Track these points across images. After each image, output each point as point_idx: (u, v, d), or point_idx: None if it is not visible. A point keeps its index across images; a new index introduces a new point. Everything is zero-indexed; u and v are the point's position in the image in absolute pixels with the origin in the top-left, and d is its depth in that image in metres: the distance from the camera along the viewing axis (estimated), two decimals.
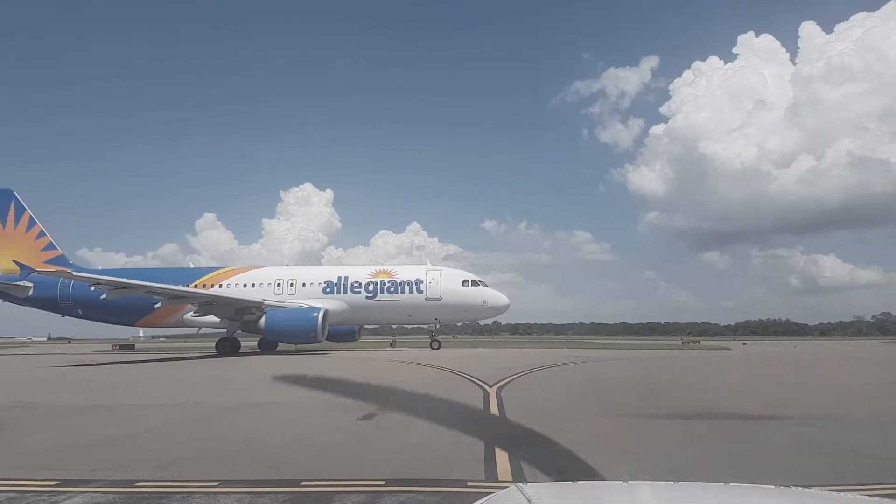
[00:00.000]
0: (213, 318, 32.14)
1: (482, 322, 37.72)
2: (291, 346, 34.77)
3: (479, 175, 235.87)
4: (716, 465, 5.66)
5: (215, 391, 13.49)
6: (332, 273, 33.99)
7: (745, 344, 59.49)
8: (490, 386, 12.52)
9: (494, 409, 9.16)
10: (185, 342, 75.45)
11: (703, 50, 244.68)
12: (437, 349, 32.93)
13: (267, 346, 34.47)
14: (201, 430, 7.92)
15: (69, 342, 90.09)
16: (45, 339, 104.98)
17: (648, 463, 5.74)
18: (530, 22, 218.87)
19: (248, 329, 32.41)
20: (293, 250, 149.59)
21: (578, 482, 1.50)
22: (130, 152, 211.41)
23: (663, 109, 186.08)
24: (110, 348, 47.22)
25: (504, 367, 18.18)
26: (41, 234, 37.70)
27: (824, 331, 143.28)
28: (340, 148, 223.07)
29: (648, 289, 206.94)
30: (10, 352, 43.36)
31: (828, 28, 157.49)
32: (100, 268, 40.80)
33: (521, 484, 1.39)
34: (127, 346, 49.71)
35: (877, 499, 1.32)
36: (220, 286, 33.43)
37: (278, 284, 33.27)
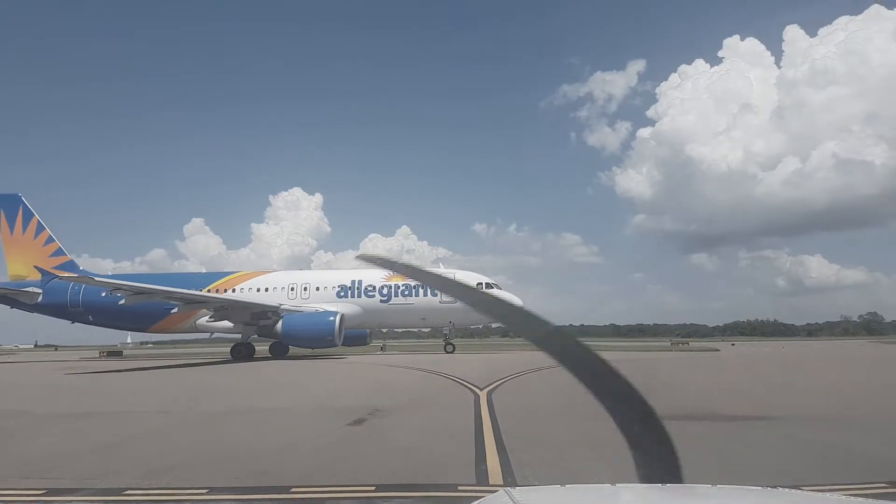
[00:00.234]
0: (226, 324, 31.95)
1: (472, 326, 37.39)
2: (301, 351, 34.42)
3: (469, 178, 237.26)
4: (705, 467, 5.68)
5: (213, 396, 13.39)
6: (345, 277, 33.79)
7: (733, 345, 59.82)
8: (481, 389, 12.51)
9: (485, 413, 9.16)
10: (175, 348, 74.95)
11: (689, 54, 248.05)
12: (452, 352, 32.84)
13: (278, 350, 34.31)
14: (192, 436, 7.86)
15: (56, 349, 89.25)
16: (32, 346, 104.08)
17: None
18: (518, 27, 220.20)
19: (264, 334, 32.31)
20: (282, 255, 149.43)
21: (567, 485, 1.51)
22: (117, 156, 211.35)
23: (650, 113, 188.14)
24: (98, 355, 46.79)
25: (495, 370, 18.17)
26: (49, 239, 37.27)
27: (812, 331, 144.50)
28: (330, 152, 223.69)
29: (637, 290, 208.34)
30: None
31: (812, 32, 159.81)
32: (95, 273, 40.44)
33: (509, 488, 1.39)
34: (115, 353, 49.23)
35: (861, 499, 1.32)
36: (234, 291, 33.22)
37: (292, 289, 33.09)
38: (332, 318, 29.39)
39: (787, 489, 1.63)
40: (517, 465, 5.47)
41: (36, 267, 30.11)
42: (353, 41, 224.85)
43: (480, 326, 41.97)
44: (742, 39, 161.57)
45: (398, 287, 32.53)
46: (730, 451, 6.42)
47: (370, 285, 32.69)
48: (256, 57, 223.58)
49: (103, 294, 31.84)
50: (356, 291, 32.69)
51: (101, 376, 21.18)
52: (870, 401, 11.47)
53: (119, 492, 4.87)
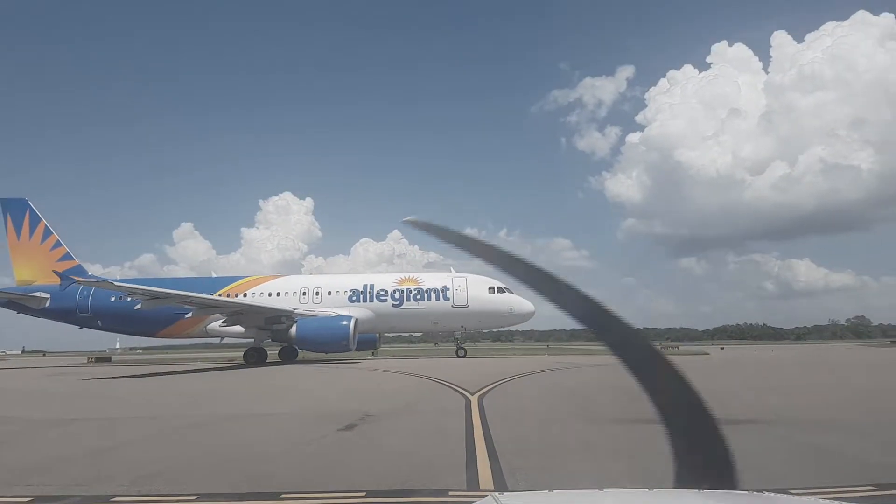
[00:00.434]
0: (238, 328, 31.74)
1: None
2: (310, 356, 34.51)
3: (460, 183, 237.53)
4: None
5: (210, 402, 13.32)
6: (357, 281, 33.71)
7: (722, 349, 60.10)
8: (472, 394, 12.51)
9: (476, 417, 9.15)
10: (166, 353, 74.51)
11: (677, 59, 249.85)
12: (464, 357, 32.66)
13: (288, 354, 34.18)
14: (182, 442, 7.81)
15: (44, 354, 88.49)
16: (20, 351, 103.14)
17: (627, 468, 5.78)
18: (507, 32, 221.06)
19: (277, 338, 32.18)
20: (272, 259, 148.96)
21: (554, 490, 1.51)
22: (105, 162, 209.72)
23: (639, 118, 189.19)
24: (86, 360, 46.42)
25: (486, 375, 18.17)
26: (57, 244, 37.00)
27: (800, 335, 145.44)
28: (320, 156, 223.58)
29: (627, 295, 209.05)
30: None
31: (799, 37, 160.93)
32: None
33: (497, 493, 1.40)
34: (103, 359, 48.89)
35: None
36: (244, 295, 32.99)
37: (304, 293, 32.99)
38: (346, 323, 29.23)
39: (772, 493, 1.65)
40: (508, 471, 5.47)
41: (55, 271, 29.78)
42: (345, 45, 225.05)
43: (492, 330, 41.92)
44: (730, 45, 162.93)
45: (410, 291, 32.49)
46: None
47: (382, 290, 32.63)
48: (247, 60, 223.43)
49: (112, 299, 32.13)
50: (368, 296, 32.57)
51: (112, 382, 20.98)
52: (858, 403, 11.55)
53: (107, 499, 4.83)
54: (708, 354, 40.75)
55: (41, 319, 35.48)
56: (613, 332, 1.56)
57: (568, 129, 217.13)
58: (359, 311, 31.31)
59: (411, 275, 33.83)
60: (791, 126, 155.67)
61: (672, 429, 1.50)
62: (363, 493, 4.83)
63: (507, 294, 32.25)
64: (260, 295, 33.12)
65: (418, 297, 32.31)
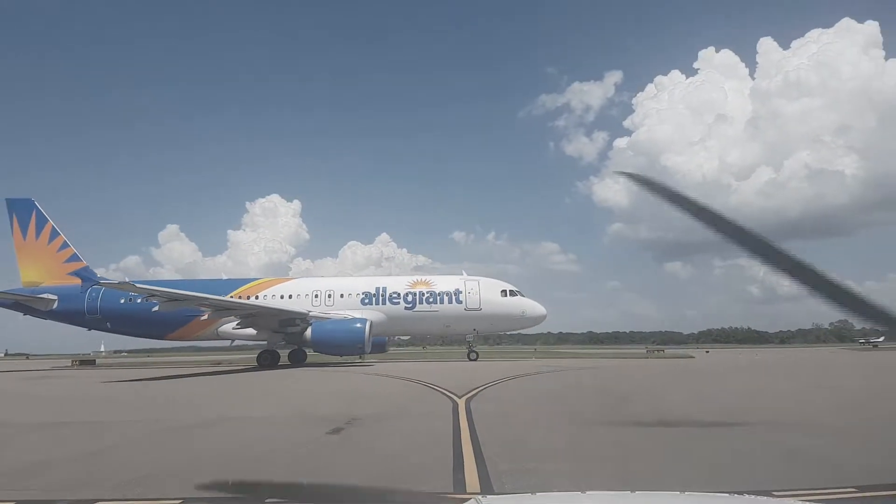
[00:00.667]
0: (250, 331, 31.51)
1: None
2: (320, 358, 34.26)
3: (449, 186, 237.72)
4: (677, 473, 5.75)
5: (201, 405, 13.23)
6: (369, 284, 33.54)
7: (707, 352, 60.53)
8: (459, 397, 12.53)
9: (463, 420, 9.17)
10: (149, 356, 73.83)
11: (665, 64, 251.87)
12: (475, 360, 32.60)
13: (297, 357, 33.88)
14: (168, 446, 7.76)
15: (27, 357, 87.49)
16: (2, 354, 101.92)
17: (610, 471, 5.82)
18: (495, 36, 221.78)
19: (291, 341, 31.98)
20: (259, 262, 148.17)
21: (537, 494, 1.53)
22: (89, 163, 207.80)
23: (627, 123, 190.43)
24: (70, 363, 45.90)
25: (473, 379, 18.19)
26: (64, 245, 36.36)
27: (784, 338, 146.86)
28: (309, 159, 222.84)
29: (614, 298, 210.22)
30: None
31: (785, 44, 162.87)
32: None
33: (480, 496, 1.42)
34: (87, 362, 48.34)
35: None
36: (257, 297, 32.72)
37: (316, 296, 32.76)
38: (361, 326, 29.08)
39: (752, 496, 1.68)
40: (494, 474, 5.49)
41: (74, 272, 29.31)
42: (335, 49, 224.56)
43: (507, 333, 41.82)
44: (717, 51, 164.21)
45: (423, 294, 32.38)
46: (700, 457, 6.50)
47: (395, 292, 32.51)
48: (237, 63, 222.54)
49: (122, 301, 31.86)
50: (381, 299, 32.41)
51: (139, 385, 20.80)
52: (840, 407, 11.69)
53: (91, 502, 4.80)
54: (693, 358, 41.01)
55: (34, 321, 35.16)
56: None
57: (556, 133, 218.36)
58: (371, 314, 31.16)
59: (424, 277, 33.77)
60: (777, 132, 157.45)
61: None
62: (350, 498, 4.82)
63: (519, 297, 32.34)
64: (272, 297, 32.86)
65: (431, 299, 32.17)
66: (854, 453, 6.65)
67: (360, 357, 36.03)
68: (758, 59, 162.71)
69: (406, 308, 32.23)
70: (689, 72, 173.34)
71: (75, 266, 35.63)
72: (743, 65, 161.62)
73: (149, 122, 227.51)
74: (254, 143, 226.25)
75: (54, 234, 36.25)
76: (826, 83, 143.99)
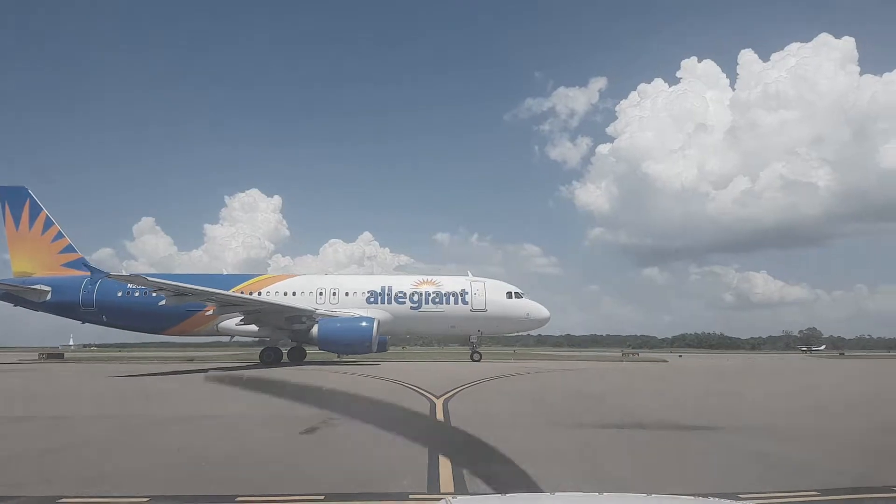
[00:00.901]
0: (252, 327, 30.87)
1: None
2: (317, 357, 33.87)
3: (433, 187, 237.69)
4: (648, 474, 5.81)
5: (166, 404, 13.05)
6: (375, 282, 33.21)
7: (680, 356, 61.29)
8: (437, 397, 12.53)
9: (440, 420, 9.17)
10: (119, 352, 72.72)
11: (649, 73, 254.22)
12: (479, 361, 32.49)
13: (296, 355, 33.34)
14: (135, 443, 7.64)
15: None
16: None
17: (581, 472, 5.86)
18: (482, 39, 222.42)
19: (297, 338, 31.57)
20: (237, 257, 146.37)
21: (507, 494, 1.54)
22: (60, 150, 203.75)
23: (610, 129, 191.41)
24: (38, 357, 45.07)
25: (453, 379, 18.22)
26: (59, 235, 35.16)
27: (755, 344, 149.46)
28: (291, 154, 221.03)
29: (593, 302, 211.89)
30: None
31: (765, 56, 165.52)
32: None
33: (450, 497, 1.41)
34: (55, 356, 47.48)
35: None
36: (260, 294, 32.06)
37: (320, 293, 32.27)
38: (369, 324, 28.80)
39: (716, 499, 1.70)
40: (469, 475, 5.50)
41: (84, 264, 28.49)
42: (319, 49, 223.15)
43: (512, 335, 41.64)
44: (699, 61, 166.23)
45: (429, 294, 32.19)
46: (670, 459, 6.57)
47: (401, 292, 32.23)
48: (218, 54, 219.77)
49: (119, 294, 31.18)
50: (386, 297, 32.13)
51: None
52: (805, 412, 11.90)
53: (53, 500, 4.70)
54: (666, 362, 41.50)
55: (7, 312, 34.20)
56: None
57: (541, 137, 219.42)
58: (377, 313, 30.84)
59: (429, 277, 33.47)
60: (754, 142, 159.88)
61: None
62: (322, 497, 4.78)
63: (524, 299, 32.38)
64: (276, 294, 32.23)
65: (437, 300, 31.98)
66: (819, 457, 6.76)
67: (338, 356, 35.80)
68: (738, 70, 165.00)
69: (412, 308, 31.99)
70: (672, 80, 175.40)
71: (70, 257, 34.73)
72: (724, 75, 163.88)
73: (125, 113, 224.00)
74: (234, 136, 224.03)
75: (48, 223, 35.12)
76: (803, 96, 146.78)
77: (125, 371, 24.32)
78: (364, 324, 28.97)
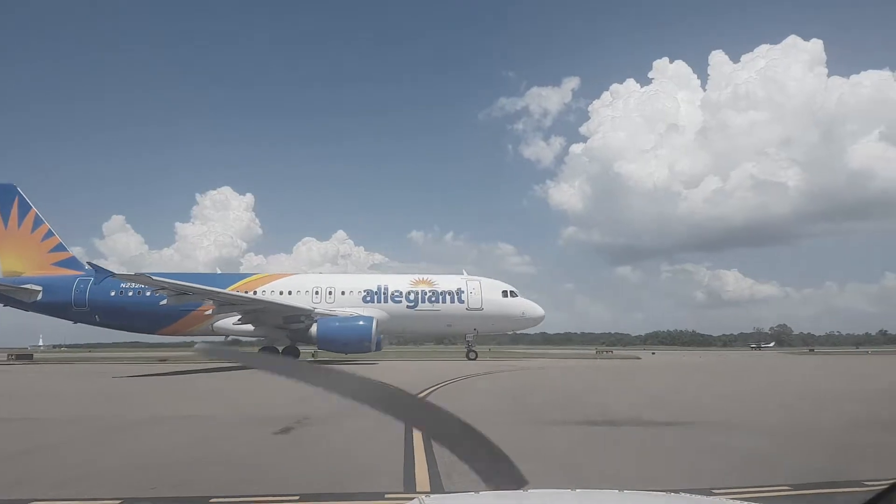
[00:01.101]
0: (249, 327, 30.62)
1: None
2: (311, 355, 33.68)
3: (407, 186, 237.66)
4: (621, 471, 5.88)
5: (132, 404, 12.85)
6: (371, 281, 33.11)
7: (653, 354, 62.14)
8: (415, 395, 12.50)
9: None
10: (91, 352, 71.50)
11: (621, 73, 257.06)
12: (475, 360, 32.47)
13: (290, 354, 32.66)
14: (108, 445, 7.52)
15: None
16: None
17: (554, 469, 5.92)
18: (456, 39, 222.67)
19: (295, 338, 31.35)
20: (209, 256, 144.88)
21: (481, 492, 1.55)
22: (28, 148, 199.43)
23: (583, 129, 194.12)
24: (6, 357, 44.08)
25: (430, 378, 18.23)
26: (49, 233, 34.49)
27: (727, 342, 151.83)
28: (264, 152, 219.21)
29: (567, 300, 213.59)
30: None
31: (735, 57, 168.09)
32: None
33: (422, 495, 1.42)
34: (24, 356, 46.47)
35: None
36: (255, 293, 31.67)
37: (316, 292, 32.09)
38: (368, 323, 28.76)
39: (688, 494, 1.72)
40: (445, 474, 5.51)
41: (90, 263, 27.76)
42: (293, 49, 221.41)
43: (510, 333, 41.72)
44: (671, 62, 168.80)
45: (425, 293, 32.16)
46: (643, 455, 6.66)
47: (397, 291, 32.18)
48: (191, 52, 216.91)
49: (112, 293, 30.79)
50: (383, 297, 32.08)
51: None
52: (776, 408, 12.11)
53: (26, 503, 4.62)
54: (639, 359, 42.03)
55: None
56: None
57: (514, 136, 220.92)
58: (374, 312, 30.74)
59: (425, 276, 33.43)
60: (725, 142, 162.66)
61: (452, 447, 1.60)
62: (297, 497, 4.76)
63: (519, 298, 32.54)
64: (271, 293, 31.98)
65: (433, 298, 32.00)
66: (790, 453, 6.90)
67: (313, 355, 35.60)
68: (709, 71, 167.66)
69: (408, 307, 31.97)
70: (644, 81, 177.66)
71: (60, 256, 34.27)
72: (695, 76, 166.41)
73: (96, 112, 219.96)
74: (206, 134, 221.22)
75: (38, 221, 34.48)
76: (773, 97, 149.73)
77: (123, 372, 23.87)
78: (363, 323, 28.97)
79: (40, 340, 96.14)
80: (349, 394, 1.52)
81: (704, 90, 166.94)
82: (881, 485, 1.19)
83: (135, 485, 5.27)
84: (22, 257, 33.62)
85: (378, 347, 35.70)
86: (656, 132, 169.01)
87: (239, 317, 30.23)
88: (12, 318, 33.28)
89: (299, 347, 33.45)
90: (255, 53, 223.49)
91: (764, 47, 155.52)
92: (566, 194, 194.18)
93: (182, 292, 27.40)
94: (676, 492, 1.67)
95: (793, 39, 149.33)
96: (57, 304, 32.32)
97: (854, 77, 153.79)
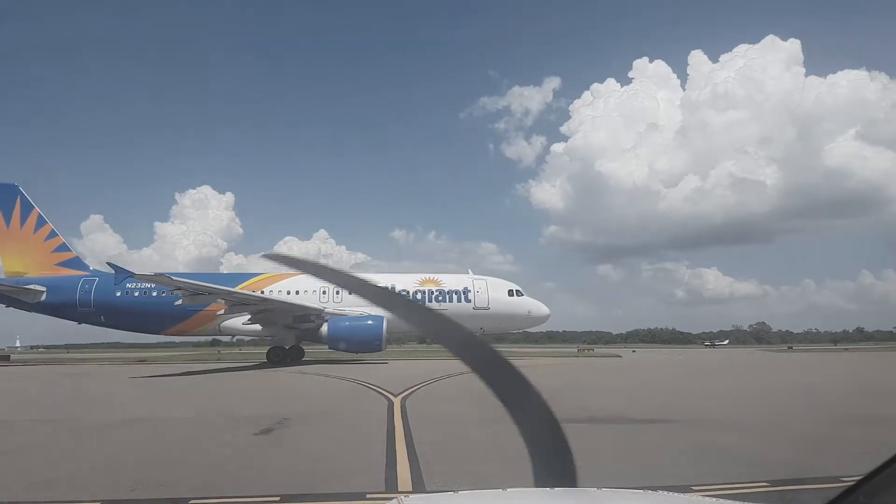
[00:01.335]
0: (257, 327, 30.30)
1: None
2: (319, 356, 33.49)
3: (389, 185, 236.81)
4: (604, 468, 5.91)
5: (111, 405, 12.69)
6: (378, 281, 32.46)
7: (634, 352, 62.54)
8: (395, 396, 12.51)
9: (398, 420, 9.16)
10: (66, 353, 70.47)
11: (601, 72, 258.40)
12: None
13: (295, 354, 32.39)
14: (86, 446, 7.42)
15: None
16: None
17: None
18: (436, 38, 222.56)
19: (306, 337, 31.09)
20: (188, 256, 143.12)
21: (460, 492, 1.55)
22: (3, 147, 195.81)
23: (564, 128, 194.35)
24: None
25: (411, 378, 18.23)
26: (52, 234, 33.76)
27: (706, 339, 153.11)
28: (244, 151, 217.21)
29: (548, 298, 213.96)
30: None
31: (714, 57, 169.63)
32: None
33: (401, 495, 1.42)
34: (2, 357, 45.67)
35: None
36: (262, 293, 31.19)
37: (324, 292, 31.62)
38: (378, 323, 28.48)
39: (664, 492, 1.73)
40: (427, 473, 5.51)
41: (108, 263, 27.24)
42: (269, 41, 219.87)
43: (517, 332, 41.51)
44: (651, 61, 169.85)
45: (432, 292, 32.02)
46: (625, 452, 6.71)
47: (404, 290, 31.72)
48: (170, 49, 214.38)
49: (118, 294, 30.41)
50: None
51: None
52: (754, 406, 12.27)
53: None
54: (620, 357, 42.33)
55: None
56: (456, 338, 1.64)
57: (496, 135, 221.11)
58: (381, 311, 30.32)
59: (432, 276, 33.33)
60: (704, 141, 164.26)
61: (523, 430, 1.53)
62: (277, 498, 4.73)
63: (524, 297, 32.52)
64: (279, 293, 31.57)
65: (440, 298, 31.86)
66: (768, 450, 6.99)
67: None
68: (689, 71, 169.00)
69: None
70: (624, 80, 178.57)
71: (64, 256, 33.68)
72: (675, 75, 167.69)
73: (74, 108, 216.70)
74: (185, 131, 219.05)
75: (41, 222, 33.82)
76: (751, 96, 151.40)
77: (131, 373, 23.53)
78: (374, 322, 28.72)
79: (17, 341, 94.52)
80: (428, 330, 1.51)
81: (684, 89, 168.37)
82: (854, 479, 1.21)
83: (113, 487, 5.21)
84: (24, 258, 33.06)
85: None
86: (636, 131, 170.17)
87: (248, 317, 29.99)
88: None
89: (303, 347, 33.22)
90: (235, 53, 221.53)
91: (742, 47, 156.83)
92: (548, 193, 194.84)
93: (199, 292, 27.21)
94: (654, 489, 1.68)
95: (771, 39, 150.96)
96: (61, 305, 31.81)
97: (831, 77, 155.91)
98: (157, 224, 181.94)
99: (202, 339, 43.28)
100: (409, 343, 67.98)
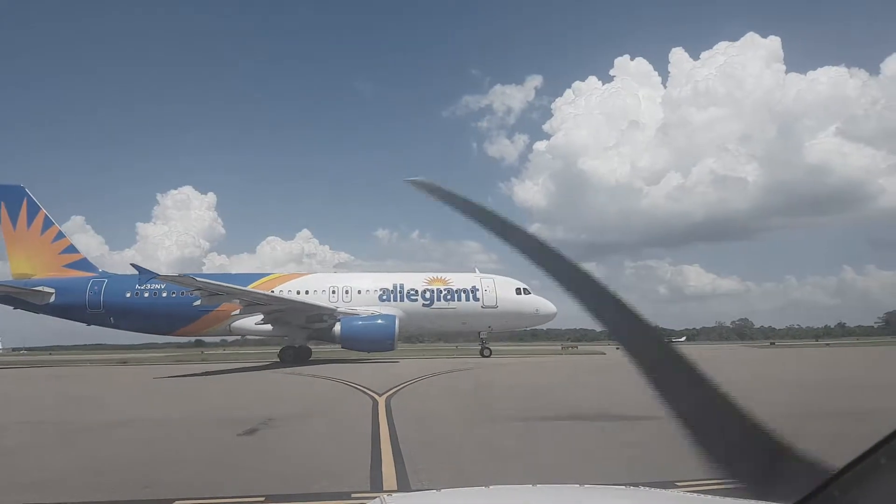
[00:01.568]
0: (267, 327, 30.25)
1: None
2: (325, 356, 33.60)
3: (372, 184, 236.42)
4: (588, 465, 5.96)
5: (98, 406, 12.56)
6: (387, 280, 32.93)
7: (618, 349, 62.79)
8: (380, 395, 12.52)
9: (382, 418, 9.17)
10: (51, 354, 69.67)
11: (583, 70, 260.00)
12: (489, 356, 32.39)
13: (304, 353, 32.31)
14: (69, 448, 7.35)
15: None
16: None
17: (521, 465, 5.99)
18: (419, 36, 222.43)
19: (319, 337, 31.14)
20: (171, 257, 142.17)
21: (442, 490, 1.56)
22: None
23: (546, 127, 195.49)
24: None
25: (396, 377, 18.23)
26: (59, 235, 33.65)
27: (689, 336, 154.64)
28: (225, 151, 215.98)
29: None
30: None
31: (695, 55, 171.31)
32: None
33: (385, 494, 1.43)
34: None
35: (728, 499, 1.44)
36: (272, 293, 31.12)
37: (333, 291, 31.80)
38: (391, 322, 28.72)
39: (647, 488, 1.76)
40: (412, 472, 5.52)
41: (132, 264, 27.04)
42: (251, 41, 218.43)
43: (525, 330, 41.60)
44: (632, 59, 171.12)
45: (440, 291, 32.11)
46: (610, 449, 6.77)
47: (412, 289, 32.07)
48: (150, 52, 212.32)
49: (128, 294, 30.51)
50: (399, 295, 31.93)
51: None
52: (741, 401, 12.38)
53: None
54: (604, 354, 42.59)
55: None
56: (624, 327, 1.47)
57: (479, 134, 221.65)
58: (390, 311, 30.61)
59: (439, 275, 33.42)
60: (686, 139, 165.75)
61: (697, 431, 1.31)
62: (262, 499, 4.73)
63: (532, 296, 32.60)
64: (288, 292, 31.59)
65: (448, 297, 31.95)
66: None
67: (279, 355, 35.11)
68: (670, 69, 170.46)
69: (424, 305, 31.89)
70: (606, 78, 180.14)
71: (72, 258, 33.56)
72: (656, 73, 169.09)
73: (54, 108, 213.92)
74: (166, 132, 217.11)
75: (48, 223, 33.60)
76: (732, 94, 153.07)
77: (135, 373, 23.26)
78: (387, 322, 28.98)
79: None
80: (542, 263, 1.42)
81: (665, 87, 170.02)
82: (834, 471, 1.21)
83: (96, 489, 5.18)
84: (32, 259, 32.82)
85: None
86: (618, 129, 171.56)
87: (261, 317, 30.01)
88: None
89: (311, 347, 33.33)
90: (216, 53, 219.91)
91: (723, 44, 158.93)
92: (530, 192, 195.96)
93: (219, 293, 27.22)
94: (636, 485, 1.71)
95: (751, 37, 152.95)
96: (71, 307, 31.65)
97: (811, 73, 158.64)
98: (139, 225, 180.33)
99: (185, 339, 42.81)
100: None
